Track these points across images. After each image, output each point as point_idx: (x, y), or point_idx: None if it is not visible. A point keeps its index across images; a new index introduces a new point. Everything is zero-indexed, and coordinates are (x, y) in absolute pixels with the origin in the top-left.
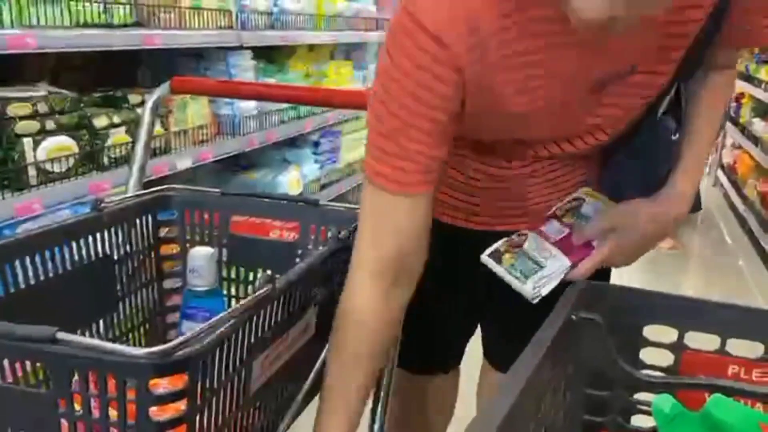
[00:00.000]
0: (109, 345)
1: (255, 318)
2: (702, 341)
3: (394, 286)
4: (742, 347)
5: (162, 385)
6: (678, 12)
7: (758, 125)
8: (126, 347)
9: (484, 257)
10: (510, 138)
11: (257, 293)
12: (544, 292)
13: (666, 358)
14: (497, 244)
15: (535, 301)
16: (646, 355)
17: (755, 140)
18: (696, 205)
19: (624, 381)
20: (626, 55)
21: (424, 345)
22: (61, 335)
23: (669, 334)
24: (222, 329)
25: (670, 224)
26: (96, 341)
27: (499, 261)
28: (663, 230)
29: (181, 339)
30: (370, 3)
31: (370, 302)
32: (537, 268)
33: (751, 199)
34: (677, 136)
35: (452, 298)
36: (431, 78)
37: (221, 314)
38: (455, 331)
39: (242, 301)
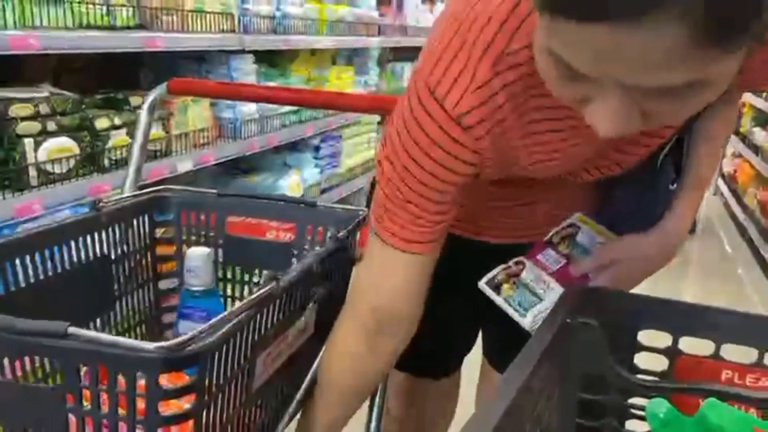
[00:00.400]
0: (120, 339)
1: (258, 316)
2: (696, 346)
3: (382, 336)
4: (736, 352)
5: (171, 380)
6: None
7: (759, 134)
8: (136, 341)
9: (482, 284)
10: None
11: (261, 291)
12: (542, 320)
13: (661, 363)
14: (494, 272)
15: (533, 331)
16: (641, 359)
17: (755, 149)
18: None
19: (619, 385)
20: None
21: (426, 349)
22: (73, 330)
23: (664, 339)
24: (229, 326)
25: (668, 256)
26: (106, 336)
27: (497, 291)
28: (660, 263)
29: (191, 334)
30: (372, 9)
31: (354, 349)
32: (536, 300)
33: (751, 208)
34: (675, 186)
35: (454, 303)
36: (449, 157)
37: (228, 311)
38: (457, 336)
39: (247, 299)
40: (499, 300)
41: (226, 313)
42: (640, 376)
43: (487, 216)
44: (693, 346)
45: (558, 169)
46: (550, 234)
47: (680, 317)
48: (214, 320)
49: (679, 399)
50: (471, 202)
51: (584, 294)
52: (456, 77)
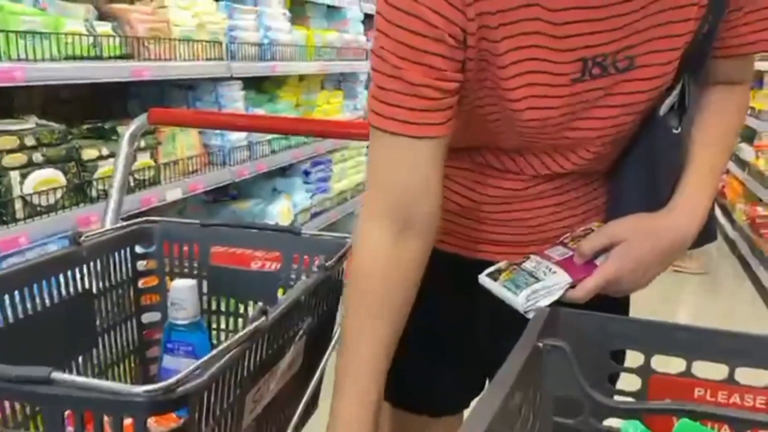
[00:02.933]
0: (106, 384)
1: (247, 351)
2: (668, 364)
3: (403, 235)
4: (707, 369)
5: (160, 422)
6: None
7: (746, 150)
8: (123, 385)
9: (482, 277)
10: (509, 143)
11: (250, 326)
12: (540, 304)
13: (634, 383)
14: (497, 265)
15: (530, 315)
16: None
17: (743, 165)
18: (711, 235)
19: (592, 407)
20: (620, 31)
21: (424, 386)
22: (56, 375)
23: (636, 359)
24: (219, 364)
25: (679, 241)
26: (92, 380)
27: (495, 279)
28: (672, 248)
29: (179, 376)
30: (360, 33)
31: (379, 251)
32: (533, 281)
33: (740, 224)
34: (680, 130)
35: (453, 339)
36: (431, 10)
37: (217, 348)
38: (457, 379)
39: (236, 335)
40: (495, 286)
41: (215, 351)
42: (616, 397)
43: (487, 224)
44: (665, 364)
45: (550, 127)
46: (563, 236)
47: (651, 336)
48: (203, 359)
49: (652, 419)
50: (469, 210)
51: (554, 316)
52: None
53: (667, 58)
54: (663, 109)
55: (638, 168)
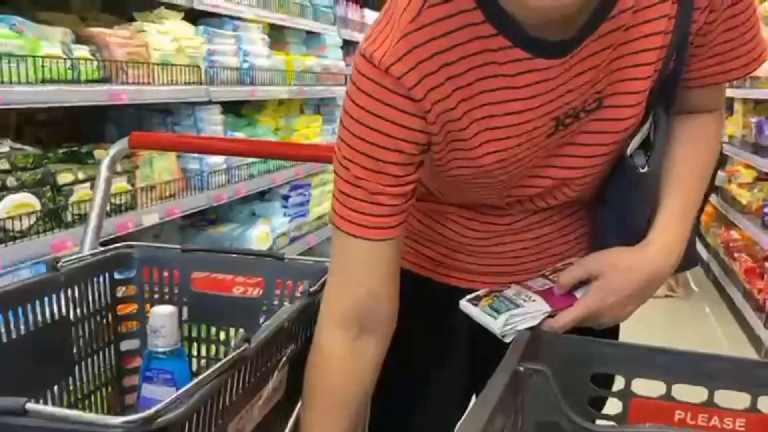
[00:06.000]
0: (84, 415)
1: (230, 379)
2: (649, 387)
3: (361, 337)
4: (687, 392)
5: None
6: (636, 31)
7: (719, 175)
8: (101, 417)
9: (463, 302)
10: (486, 195)
11: (233, 354)
12: (518, 328)
13: (615, 406)
14: (478, 292)
15: (507, 339)
16: (597, 403)
17: (716, 190)
18: (691, 260)
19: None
20: (584, 86)
21: (408, 412)
22: (31, 406)
23: (617, 382)
24: (200, 393)
25: (656, 275)
26: (68, 411)
27: (476, 305)
28: (649, 281)
29: (159, 406)
30: (338, 59)
31: (337, 352)
32: (512, 306)
33: (714, 248)
34: (646, 168)
35: (437, 376)
36: (390, 109)
37: (199, 377)
38: (441, 403)
39: (218, 363)
40: (475, 311)
41: (196, 380)
42: (598, 421)
43: (476, 256)
44: (645, 387)
45: (515, 171)
46: (546, 269)
47: (632, 359)
48: (184, 388)
49: None
50: (452, 241)
51: (535, 340)
52: (382, 34)
53: (634, 99)
54: (631, 147)
55: (611, 204)
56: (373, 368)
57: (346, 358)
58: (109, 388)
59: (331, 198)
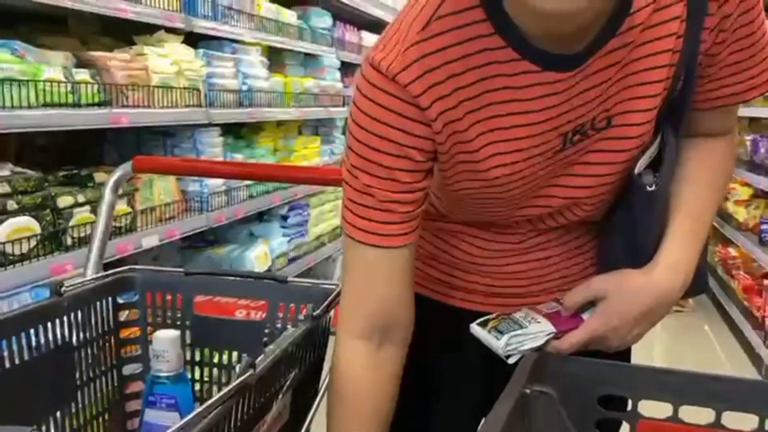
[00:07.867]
0: None
1: (234, 406)
2: (656, 409)
3: (383, 346)
4: (694, 414)
5: None
6: (645, 49)
7: None
8: None
9: (473, 326)
10: (495, 212)
11: (238, 380)
12: (522, 349)
13: (622, 428)
14: (489, 315)
15: (510, 360)
16: (604, 425)
17: None
18: (701, 285)
19: None
20: (593, 102)
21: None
22: None
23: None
24: (206, 422)
25: (664, 298)
26: None
27: (484, 328)
28: (657, 305)
29: None
30: (336, 80)
31: (361, 363)
32: (517, 327)
33: (712, 265)
34: (654, 187)
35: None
36: (397, 117)
37: (204, 405)
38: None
39: (223, 390)
40: (482, 334)
41: (201, 408)
42: None
43: (490, 277)
44: (652, 409)
45: (523, 187)
46: (560, 293)
47: (639, 381)
48: (188, 417)
49: None
50: (463, 262)
51: (541, 362)
52: (390, 42)
53: (643, 118)
54: (640, 166)
55: (619, 225)
56: (397, 375)
57: (371, 369)
58: (112, 413)
59: (341, 208)
